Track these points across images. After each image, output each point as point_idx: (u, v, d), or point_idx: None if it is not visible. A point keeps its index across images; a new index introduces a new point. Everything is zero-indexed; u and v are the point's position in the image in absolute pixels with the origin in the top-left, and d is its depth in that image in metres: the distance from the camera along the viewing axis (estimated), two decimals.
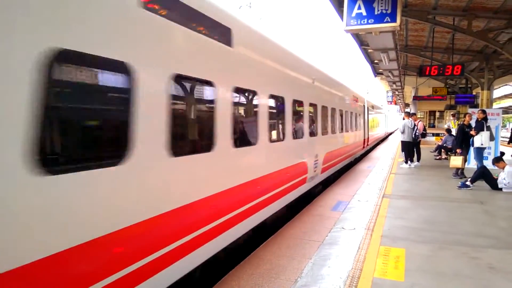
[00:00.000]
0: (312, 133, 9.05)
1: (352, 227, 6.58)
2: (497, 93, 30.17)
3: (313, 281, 4.46)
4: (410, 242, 5.80)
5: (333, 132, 11.43)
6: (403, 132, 14.71)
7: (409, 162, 14.73)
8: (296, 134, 7.84)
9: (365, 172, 13.64)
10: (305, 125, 8.38)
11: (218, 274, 4.94)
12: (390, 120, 53.20)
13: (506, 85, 24.70)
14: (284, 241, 5.98)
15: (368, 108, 21.49)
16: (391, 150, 23.10)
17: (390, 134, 51.29)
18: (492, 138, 11.62)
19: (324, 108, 10.19)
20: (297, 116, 7.99)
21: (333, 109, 11.35)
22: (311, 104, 8.91)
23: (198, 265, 4.26)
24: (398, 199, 8.85)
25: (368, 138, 21.45)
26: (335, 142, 11.85)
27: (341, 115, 12.79)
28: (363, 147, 19.77)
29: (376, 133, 29.11)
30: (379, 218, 7.18)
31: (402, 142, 15.04)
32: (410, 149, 14.87)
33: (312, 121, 9.15)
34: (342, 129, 12.92)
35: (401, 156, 16.15)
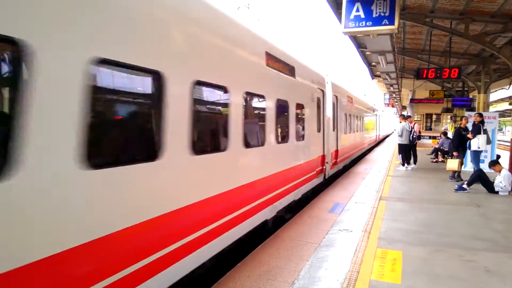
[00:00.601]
0: None
1: (349, 229, 6.58)
2: (493, 96, 30.33)
3: (310, 283, 4.46)
4: (407, 244, 5.81)
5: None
6: (401, 135, 14.74)
7: (406, 164, 14.77)
8: None
9: (362, 174, 13.66)
10: None
11: (215, 275, 4.93)
12: (384, 122, 47.67)
13: (502, 88, 24.75)
14: (281, 243, 5.98)
15: (338, 99, 13.08)
16: (388, 153, 23.12)
17: (386, 137, 48.61)
18: (489, 141, 11.67)
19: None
20: None
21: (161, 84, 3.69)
22: None
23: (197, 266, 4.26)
24: (395, 202, 8.87)
25: (337, 151, 12.92)
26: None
27: (214, 105, 5.19)
28: (322, 171, 10.79)
29: (361, 139, 20.87)
30: (376, 220, 7.19)
31: (400, 144, 15.09)
32: (407, 151, 14.93)
33: None
34: (191, 145, 4.18)
35: (398, 159, 16.19)
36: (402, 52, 18.00)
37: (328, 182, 11.80)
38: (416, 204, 8.61)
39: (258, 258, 5.33)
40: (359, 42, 16.94)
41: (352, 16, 8.79)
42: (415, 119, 30.52)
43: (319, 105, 10.35)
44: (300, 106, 8.45)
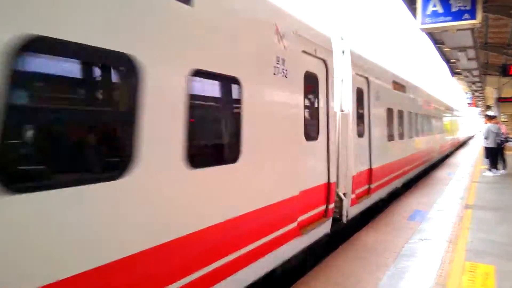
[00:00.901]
0: None
1: (431, 239, 6.20)
2: None
3: None
4: (498, 258, 5.31)
5: None
6: (486, 138, 13.60)
7: (493, 169, 13.56)
8: None
9: (444, 180, 12.82)
10: None
11: (289, 281, 4.91)
12: (466, 123, 41.93)
13: None
14: (357, 250, 5.80)
15: (371, 83, 8.03)
16: (472, 157, 21.36)
17: (468, 140, 44.08)
18: None
19: None
20: None
21: None
22: None
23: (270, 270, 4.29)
24: (482, 210, 8.18)
25: (370, 171, 7.94)
26: None
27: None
28: (328, 213, 5.75)
29: (426, 147, 14.81)
30: (462, 230, 6.67)
31: (486, 148, 13.94)
32: (494, 155, 13.69)
33: None
34: None
35: (484, 163, 14.91)
36: (485, 47, 16.66)
37: (347, 232, 6.71)
38: (506, 214, 7.84)
39: (332, 264, 5.21)
40: (436, 38, 15.99)
41: (429, 12, 8.37)
42: (502, 119, 27.92)
43: (313, 87, 5.51)
44: (227, 81, 3.74)
